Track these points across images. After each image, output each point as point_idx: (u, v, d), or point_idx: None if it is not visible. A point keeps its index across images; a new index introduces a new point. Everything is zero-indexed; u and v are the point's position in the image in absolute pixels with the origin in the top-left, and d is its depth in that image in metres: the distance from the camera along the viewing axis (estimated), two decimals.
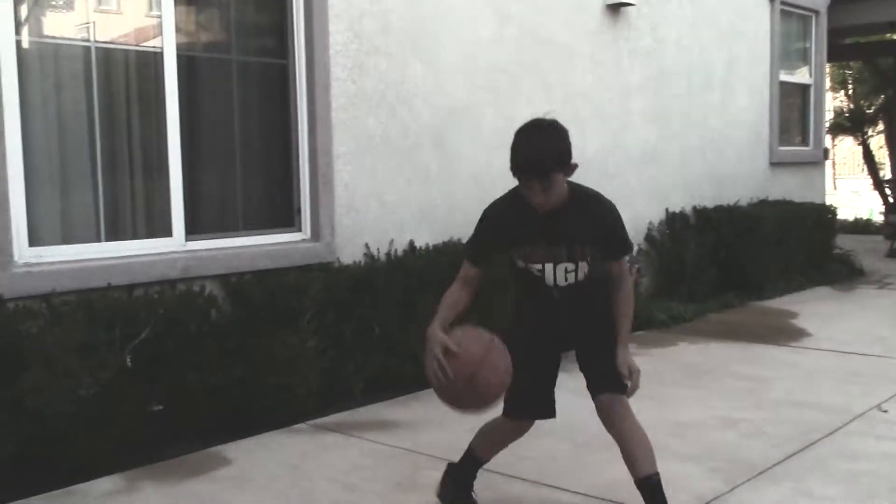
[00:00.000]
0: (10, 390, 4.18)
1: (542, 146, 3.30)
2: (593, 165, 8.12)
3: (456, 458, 4.21)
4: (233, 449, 4.68)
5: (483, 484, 4.10)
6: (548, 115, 3.54)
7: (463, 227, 6.73)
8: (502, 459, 4.41)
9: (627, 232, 3.59)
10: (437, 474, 4.22)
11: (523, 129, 3.38)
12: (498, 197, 3.55)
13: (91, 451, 4.39)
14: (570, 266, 3.43)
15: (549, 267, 3.43)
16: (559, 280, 3.45)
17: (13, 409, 4.18)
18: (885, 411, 5.21)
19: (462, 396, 3.30)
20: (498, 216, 3.48)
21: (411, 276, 5.88)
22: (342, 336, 5.49)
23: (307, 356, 5.23)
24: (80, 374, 4.37)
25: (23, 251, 4.66)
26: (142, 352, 4.60)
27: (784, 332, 7.57)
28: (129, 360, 4.54)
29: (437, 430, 4.97)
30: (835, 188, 24.28)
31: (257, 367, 5.03)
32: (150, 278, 5.03)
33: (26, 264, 4.63)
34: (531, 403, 3.62)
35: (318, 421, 5.17)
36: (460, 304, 3.46)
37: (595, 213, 3.45)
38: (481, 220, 3.53)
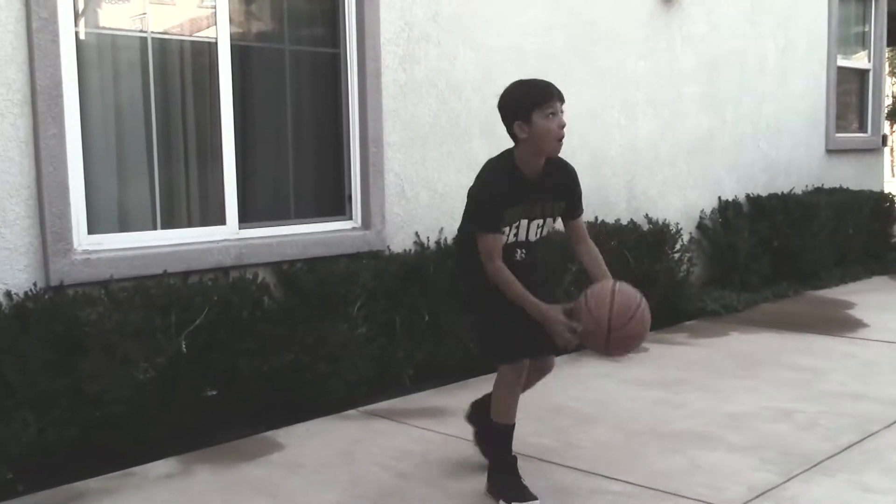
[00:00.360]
0: (70, 376, 4.29)
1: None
2: (645, 153, 8.06)
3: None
4: (284, 434, 4.74)
5: (535, 472, 4.11)
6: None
7: None
8: (554, 448, 4.42)
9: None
10: (483, 460, 4.25)
11: (518, 81, 3.71)
12: (489, 161, 3.76)
13: (147, 435, 4.49)
14: (541, 222, 3.78)
15: (524, 223, 3.72)
16: (530, 236, 3.77)
17: (74, 395, 4.29)
18: None
19: (610, 351, 3.65)
20: (503, 179, 3.65)
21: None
22: (392, 324, 5.52)
23: (357, 343, 5.28)
24: (138, 359, 4.47)
25: (82, 239, 4.76)
26: (196, 338, 4.68)
27: (839, 323, 7.44)
28: (184, 345, 4.62)
29: None
30: (893, 175, 23.74)
31: (308, 354, 5.09)
32: (204, 266, 5.12)
33: (85, 252, 4.74)
34: (526, 344, 3.81)
35: (369, 407, 5.21)
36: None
37: (566, 170, 3.80)
38: (486, 187, 3.68)
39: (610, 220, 7.34)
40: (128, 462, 4.35)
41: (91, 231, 4.82)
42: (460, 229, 3.96)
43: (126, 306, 4.47)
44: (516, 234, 3.74)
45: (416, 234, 6.23)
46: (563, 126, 3.59)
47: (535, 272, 3.86)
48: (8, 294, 4.45)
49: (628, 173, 7.88)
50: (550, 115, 3.55)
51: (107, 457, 4.38)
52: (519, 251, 3.79)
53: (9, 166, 4.48)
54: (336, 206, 6.01)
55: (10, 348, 4.08)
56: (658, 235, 7.40)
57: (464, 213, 3.91)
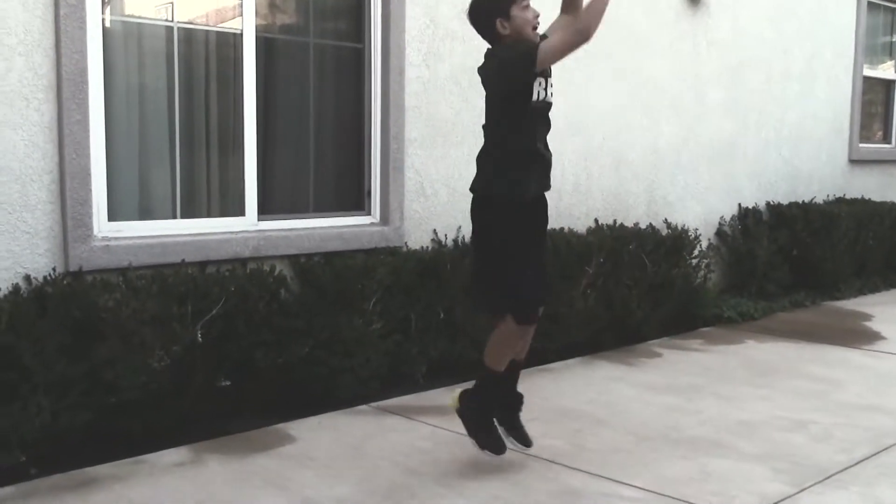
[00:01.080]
0: (87, 362, 4.32)
1: None
2: (666, 157, 8.02)
3: (519, 450, 4.24)
4: (296, 427, 4.75)
5: (543, 474, 4.10)
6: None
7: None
8: (564, 451, 4.41)
9: None
10: (497, 462, 4.25)
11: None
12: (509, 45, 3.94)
13: (160, 423, 4.52)
14: (550, 80, 3.97)
15: (541, 80, 3.91)
16: (549, 96, 3.97)
17: (89, 381, 4.32)
18: None
19: None
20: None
21: None
22: (407, 320, 5.53)
23: (372, 338, 5.28)
24: (153, 346, 4.49)
25: (102, 226, 4.79)
26: (212, 328, 4.70)
27: (857, 334, 7.38)
28: (199, 335, 4.64)
29: None
30: None
31: (323, 348, 5.10)
32: (222, 256, 5.14)
33: (105, 238, 4.76)
34: (542, 289, 4.11)
35: (381, 403, 5.22)
36: None
37: None
38: (526, 50, 3.86)
39: (629, 223, 7.31)
40: (139, 449, 4.37)
41: (111, 218, 4.85)
42: (487, 130, 4.03)
43: (144, 294, 4.49)
44: (543, 89, 3.93)
45: (434, 231, 6.23)
46: (537, 16, 3.94)
47: (548, 170, 4.11)
48: (27, 278, 4.49)
49: (649, 177, 7.84)
50: (525, 7, 3.90)
51: (119, 443, 4.41)
52: (541, 144, 4.01)
53: (32, 151, 4.51)
54: (355, 200, 6.02)
55: (28, 332, 4.10)
56: (676, 241, 7.36)
57: (492, 101, 4.02)
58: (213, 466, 4.22)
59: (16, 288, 4.40)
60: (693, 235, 7.58)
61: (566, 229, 6.77)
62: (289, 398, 5.06)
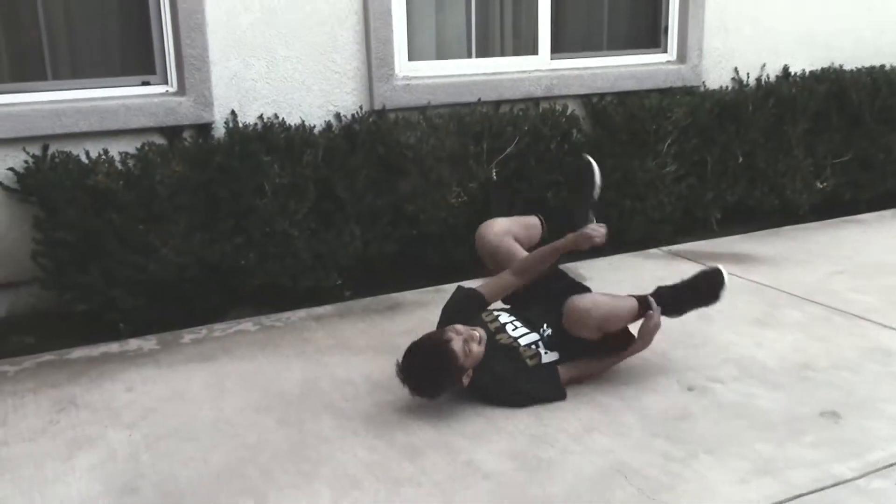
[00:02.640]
0: (391, 195, 4.57)
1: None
2: None
3: (817, 298, 4.03)
4: (586, 267, 4.79)
5: (850, 329, 3.86)
6: None
7: (846, 52, 6.10)
8: (875, 307, 4.11)
9: None
10: (796, 314, 4.06)
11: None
12: None
13: (457, 256, 4.73)
14: None
15: None
16: None
17: (394, 213, 4.58)
18: None
19: None
20: None
21: (783, 103, 5.46)
22: (703, 163, 5.30)
23: (665, 182, 5.14)
24: (451, 183, 4.66)
25: (402, 65, 4.94)
26: (505, 166, 4.78)
27: None
28: (494, 173, 4.74)
29: (800, 268, 4.71)
30: None
31: (614, 189, 5.03)
32: (515, 95, 5.14)
33: (406, 77, 4.92)
34: None
35: (672, 248, 5.12)
36: None
37: None
38: None
39: None
40: (439, 279, 4.63)
41: (411, 58, 4.99)
42: None
43: (442, 132, 4.63)
44: None
45: (735, 69, 5.83)
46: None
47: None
48: (337, 115, 4.77)
49: None
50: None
51: (420, 272, 4.70)
52: None
53: None
54: (650, 38, 5.74)
55: (341, 166, 4.40)
56: None
57: None
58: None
59: (328, 125, 4.70)
60: None
61: (887, 66, 6.08)
62: None
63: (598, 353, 3.41)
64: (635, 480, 2.73)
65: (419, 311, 4.23)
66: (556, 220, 3.86)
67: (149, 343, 3.95)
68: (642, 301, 3.40)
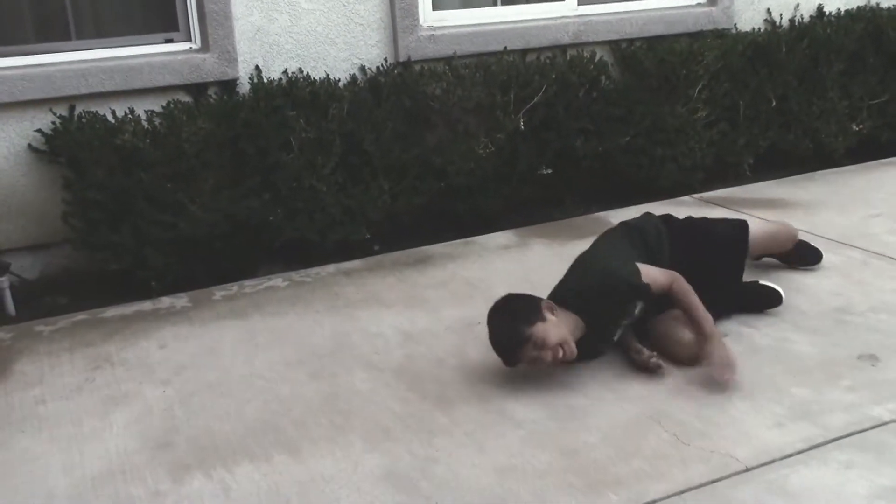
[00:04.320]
0: (418, 148, 4.53)
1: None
2: None
3: (854, 242, 3.96)
4: (616, 215, 4.71)
5: (889, 273, 3.79)
6: None
7: None
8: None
9: None
10: (833, 258, 3.98)
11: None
12: None
13: (486, 208, 4.70)
14: None
15: None
16: None
17: (422, 166, 4.55)
18: None
19: None
20: None
21: (817, 44, 5.32)
22: (735, 108, 5.19)
23: (696, 127, 5.04)
24: (478, 134, 4.61)
25: (427, 15, 4.87)
26: (534, 116, 4.72)
27: None
28: (522, 123, 4.68)
29: (835, 212, 4.62)
30: None
31: (644, 137, 4.96)
32: (542, 43, 5.06)
33: (430, 27, 4.86)
34: None
35: (705, 195, 5.04)
36: None
37: None
38: None
39: None
40: (468, 231, 4.61)
41: (436, 7, 4.91)
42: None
43: (468, 82, 4.57)
44: None
45: (768, 10, 5.68)
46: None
47: None
48: (362, 68, 4.72)
49: None
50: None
51: (449, 225, 4.67)
52: None
53: None
54: None
55: (367, 119, 4.36)
56: None
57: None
58: (537, 249, 4.34)
59: (353, 78, 4.66)
60: None
61: None
62: (609, 187, 5.04)
63: None
64: (670, 426, 2.71)
65: (449, 264, 4.22)
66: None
67: (181, 301, 3.97)
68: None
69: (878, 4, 5.88)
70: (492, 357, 3.14)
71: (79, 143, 3.96)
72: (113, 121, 4.06)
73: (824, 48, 5.32)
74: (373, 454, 2.67)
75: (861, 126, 5.50)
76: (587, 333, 3.04)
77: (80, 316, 3.85)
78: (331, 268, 4.28)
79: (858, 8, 5.80)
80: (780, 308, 3.49)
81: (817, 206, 4.75)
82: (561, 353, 2.90)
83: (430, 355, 3.29)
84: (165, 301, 3.97)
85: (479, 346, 3.25)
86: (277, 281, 4.15)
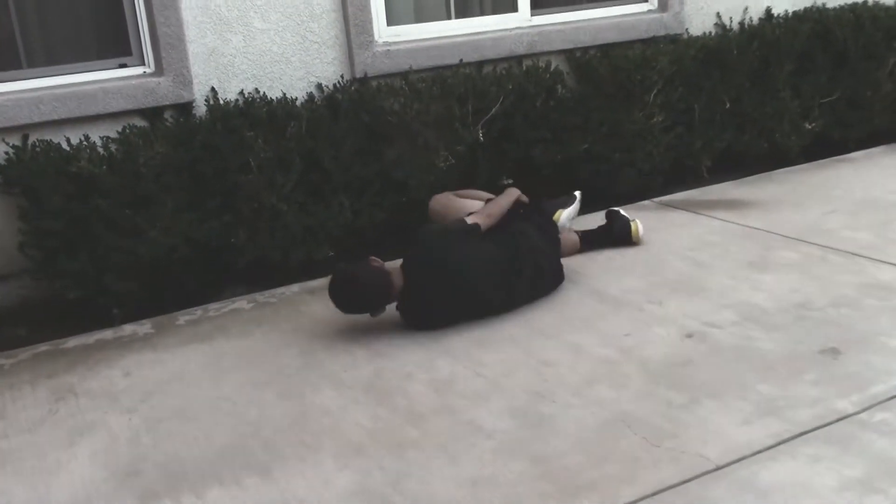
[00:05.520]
0: (378, 163, 4.53)
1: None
2: None
3: (812, 238, 4.01)
4: (577, 222, 4.74)
5: (847, 267, 3.85)
6: None
7: None
8: (871, 243, 4.10)
9: None
10: (792, 255, 4.04)
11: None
12: None
13: None
14: None
15: None
16: None
17: (382, 181, 4.54)
18: None
19: None
20: None
21: (767, 46, 5.40)
22: (690, 111, 5.25)
23: (653, 132, 5.09)
24: (438, 147, 4.61)
25: (382, 31, 4.87)
26: (492, 127, 4.74)
27: None
28: (481, 134, 4.69)
29: (792, 210, 4.69)
30: None
31: (602, 143, 5.00)
32: (497, 54, 5.08)
33: (385, 43, 4.86)
34: None
35: (664, 198, 5.09)
36: None
37: None
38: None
39: None
40: None
41: (390, 23, 4.92)
42: None
43: (426, 96, 4.58)
44: None
45: (718, 14, 5.76)
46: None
47: None
48: (319, 86, 4.71)
49: None
50: None
51: (411, 239, 4.65)
52: None
53: None
54: None
55: (325, 136, 4.34)
56: None
57: None
58: None
59: (310, 96, 4.65)
60: None
61: (869, 1, 6.02)
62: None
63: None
64: (639, 429, 2.72)
65: None
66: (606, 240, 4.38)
67: (143, 327, 3.92)
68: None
69: (824, 5, 6.00)
70: (461, 368, 3.14)
71: (34, 172, 3.90)
72: (68, 148, 4.00)
73: (774, 49, 5.41)
74: (344, 471, 2.65)
75: (813, 124, 5.59)
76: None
77: (42, 347, 3.79)
78: (295, 287, 4.25)
79: (805, 9, 5.91)
80: (742, 307, 3.54)
81: (775, 205, 4.81)
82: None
83: (398, 370, 3.27)
84: (128, 328, 3.92)
85: (447, 359, 3.25)
86: (242, 303, 4.12)
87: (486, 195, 4.16)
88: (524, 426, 2.81)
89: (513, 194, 4.04)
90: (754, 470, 2.47)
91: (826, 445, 2.55)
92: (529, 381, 3.09)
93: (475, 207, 3.95)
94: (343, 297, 3.57)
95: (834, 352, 3.11)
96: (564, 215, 4.22)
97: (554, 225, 4.11)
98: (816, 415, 2.71)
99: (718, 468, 2.49)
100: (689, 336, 3.33)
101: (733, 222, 4.57)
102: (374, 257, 3.65)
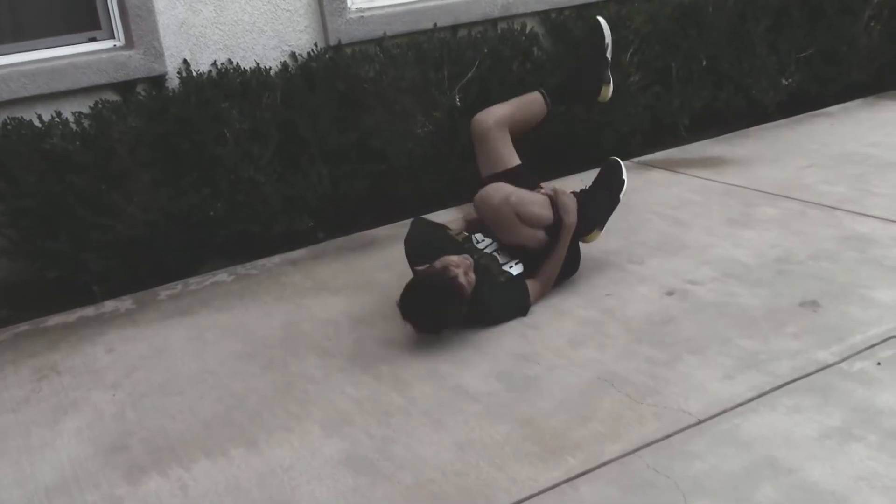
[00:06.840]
0: (356, 132, 4.49)
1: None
2: None
3: (790, 193, 4.02)
4: (558, 184, 4.73)
5: (826, 220, 3.87)
6: None
7: None
8: (849, 196, 4.12)
9: None
10: (771, 211, 4.06)
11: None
12: None
13: (428, 187, 4.68)
14: None
15: None
16: None
17: (361, 149, 4.51)
18: None
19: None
20: None
21: (744, 2, 5.38)
22: (667, 70, 5.23)
23: (630, 92, 5.08)
24: (415, 113, 4.58)
25: None
26: (468, 91, 4.70)
27: None
28: (458, 99, 4.66)
29: (770, 166, 4.70)
30: None
31: (580, 104, 4.97)
32: (472, 18, 5.04)
33: (359, 9, 4.80)
34: None
35: (644, 158, 5.09)
36: None
37: None
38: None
39: None
40: (412, 212, 4.56)
41: None
42: None
43: (401, 62, 4.54)
44: None
45: None
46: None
47: None
48: (293, 55, 4.66)
49: None
50: None
51: (393, 207, 4.65)
52: None
53: None
54: None
55: (301, 106, 4.31)
56: None
57: None
58: None
59: (284, 66, 4.59)
60: None
61: None
62: (551, 156, 5.05)
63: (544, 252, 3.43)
64: (623, 387, 2.74)
65: (394, 245, 4.19)
66: (571, 84, 4.10)
67: (125, 303, 3.90)
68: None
69: None
70: (444, 334, 3.15)
71: (6, 151, 3.85)
72: (40, 125, 3.95)
73: (750, 5, 5.38)
74: (331, 439, 2.66)
75: (790, 80, 5.59)
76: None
77: (23, 327, 3.77)
78: (276, 258, 4.24)
79: None
80: (723, 263, 3.55)
81: (753, 162, 4.82)
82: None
83: (382, 337, 3.28)
84: (109, 305, 3.90)
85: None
86: (223, 276, 4.10)
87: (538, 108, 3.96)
88: (510, 389, 2.82)
89: (566, 238, 3.44)
90: (736, 423, 2.49)
91: (806, 396, 2.58)
92: (514, 345, 3.10)
93: (537, 207, 3.46)
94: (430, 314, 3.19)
95: (814, 304, 3.13)
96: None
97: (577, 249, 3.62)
98: (796, 367, 2.74)
99: (700, 422, 2.51)
100: (671, 294, 3.35)
101: (713, 180, 4.58)
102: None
